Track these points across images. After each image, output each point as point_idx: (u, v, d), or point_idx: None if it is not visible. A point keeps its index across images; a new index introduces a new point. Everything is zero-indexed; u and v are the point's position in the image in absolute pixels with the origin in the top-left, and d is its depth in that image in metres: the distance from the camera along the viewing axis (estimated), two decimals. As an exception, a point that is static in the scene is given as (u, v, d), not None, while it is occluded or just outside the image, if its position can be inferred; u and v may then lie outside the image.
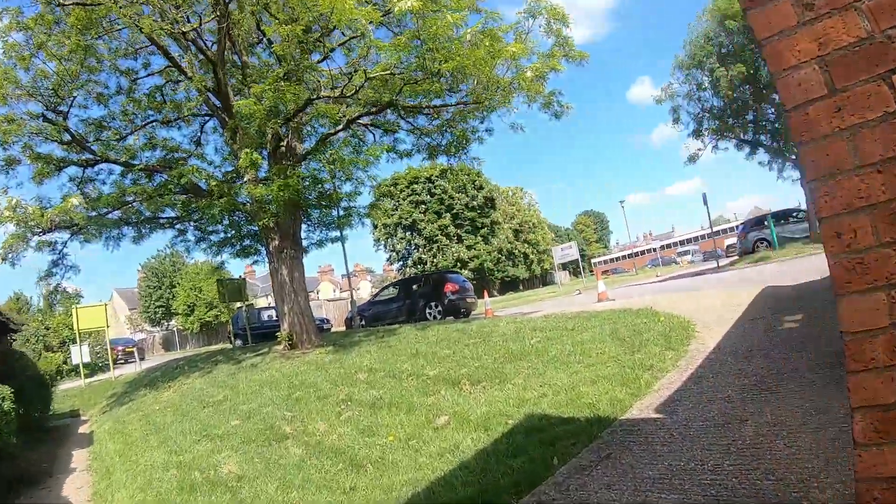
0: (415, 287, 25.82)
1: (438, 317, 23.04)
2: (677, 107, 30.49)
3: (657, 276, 45.21)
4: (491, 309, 22.74)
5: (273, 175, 15.10)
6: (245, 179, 16.10)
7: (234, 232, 19.44)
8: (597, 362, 8.78)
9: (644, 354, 8.71)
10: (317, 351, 15.43)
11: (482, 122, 17.53)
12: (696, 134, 30.52)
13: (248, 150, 14.17)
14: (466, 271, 70.90)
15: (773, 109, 29.10)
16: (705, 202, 29.79)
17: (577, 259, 49.26)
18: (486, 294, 25.23)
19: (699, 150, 30.81)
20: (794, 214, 32.12)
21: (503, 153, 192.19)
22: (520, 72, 14.44)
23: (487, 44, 13.49)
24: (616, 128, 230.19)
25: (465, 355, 10.90)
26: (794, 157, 28.85)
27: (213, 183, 16.19)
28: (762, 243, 29.65)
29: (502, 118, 17.35)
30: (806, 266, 17.47)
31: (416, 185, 74.86)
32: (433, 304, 23.79)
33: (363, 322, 25.57)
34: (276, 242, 16.77)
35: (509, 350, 10.52)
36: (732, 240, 79.80)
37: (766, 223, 29.69)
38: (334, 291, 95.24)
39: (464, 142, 17.89)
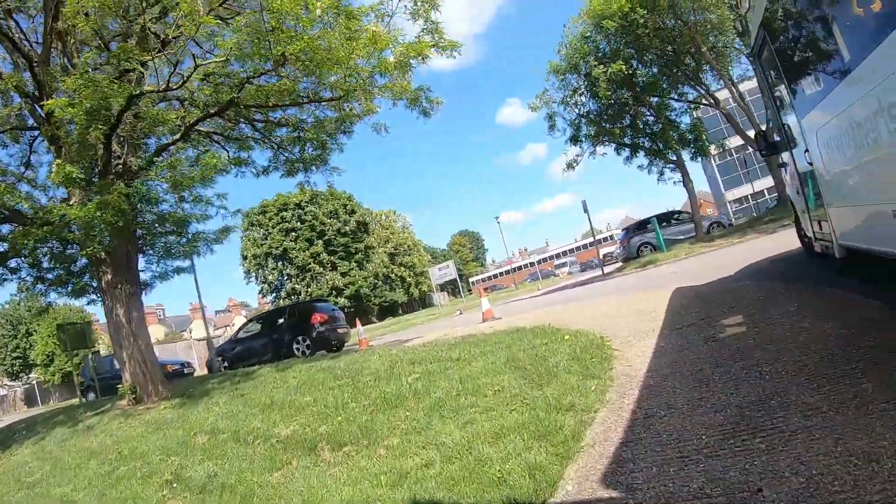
0: (280, 321, 23.12)
1: (308, 352, 20.54)
2: (553, 113, 29.23)
3: (538, 289, 44.15)
4: (365, 339, 20.46)
5: (95, 193, 12.27)
6: (72, 201, 13.13)
7: (63, 267, 16.17)
8: (496, 404, 6.51)
9: (557, 388, 6.47)
10: (162, 405, 12.61)
11: (341, 124, 15.27)
12: (574, 140, 29.32)
13: (59, 161, 11.46)
14: (343, 299, 68.78)
15: (651, 111, 28.27)
16: (585, 209, 28.53)
17: (456, 279, 47.52)
18: (358, 323, 22.80)
19: (577, 156, 29.63)
20: (677, 216, 31.61)
21: (375, 175, 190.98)
22: (382, 59, 12.27)
23: (343, 23, 11.32)
24: (487, 149, 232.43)
25: (329, 403, 8.54)
26: (674, 157, 28.22)
27: (36, 207, 13.48)
28: (646, 247, 28.77)
29: (366, 122, 15.19)
30: (704, 264, 16.55)
31: (285, 212, 72.32)
32: (300, 338, 21.22)
33: (225, 364, 22.75)
34: (109, 277, 13.77)
35: (382, 393, 8.20)
36: (609, 248, 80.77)
37: (649, 226, 28.89)
38: (211, 329, 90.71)
39: (323, 152, 15.66)
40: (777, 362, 5.29)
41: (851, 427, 3.65)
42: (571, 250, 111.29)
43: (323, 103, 14.49)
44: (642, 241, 29.36)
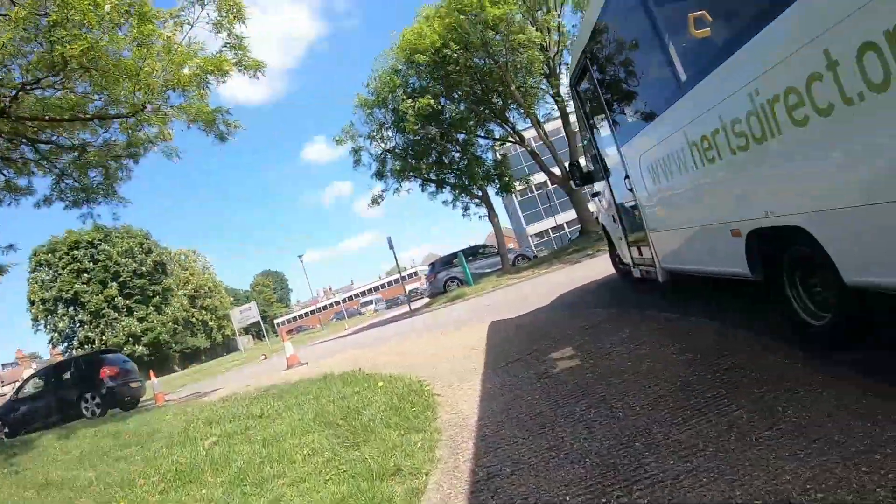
0: (65, 376, 20.57)
1: (98, 411, 18.43)
2: (359, 148, 28.60)
3: (346, 328, 43.21)
4: (161, 393, 18.84)
5: None
6: None
7: None
8: (308, 473, 5.31)
9: (377, 447, 5.36)
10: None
11: (130, 148, 13.86)
12: (379, 175, 28.88)
13: None
14: (141, 347, 64.70)
15: (458, 148, 28.56)
16: (391, 245, 27.96)
17: (259, 321, 45.59)
18: (152, 375, 20.93)
19: (382, 191, 29.14)
20: (482, 250, 31.77)
21: (173, 212, 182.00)
22: (177, 73, 11.07)
23: (135, 25, 10.09)
24: (292, 187, 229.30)
25: (114, 480, 7.02)
26: (479, 193, 28.52)
27: None
28: (453, 281, 28.62)
29: (159, 148, 13.83)
30: (515, 295, 16.36)
31: (76, 251, 66.68)
32: (89, 395, 18.94)
33: (6, 430, 19.80)
34: None
35: (175, 465, 6.80)
36: (415, 285, 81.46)
37: (455, 261, 28.89)
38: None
39: (109, 180, 14.17)
40: (627, 396, 4.65)
41: (742, 464, 3.05)
42: (377, 288, 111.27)
43: (113, 123, 12.99)
44: (449, 275, 29.18)
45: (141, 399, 20.44)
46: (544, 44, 25.51)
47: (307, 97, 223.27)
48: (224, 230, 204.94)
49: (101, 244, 67.59)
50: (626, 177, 6.99)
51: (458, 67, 24.69)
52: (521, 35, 23.83)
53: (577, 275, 15.78)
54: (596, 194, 10.07)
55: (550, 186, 47.20)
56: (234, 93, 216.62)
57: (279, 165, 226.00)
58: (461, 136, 28.29)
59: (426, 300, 30.74)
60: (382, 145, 28.51)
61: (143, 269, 69.28)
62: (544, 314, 10.21)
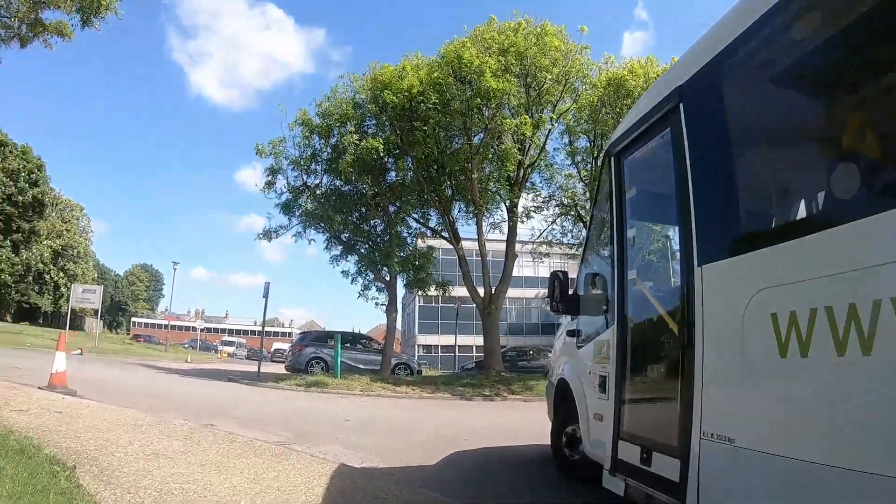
0: None
1: None
2: (278, 168, 24.07)
3: (188, 361, 38.54)
4: None
5: None
6: None
7: None
8: None
9: None
10: None
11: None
12: (287, 209, 24.31)
13: None
14: (-25, 277, 57.01)
15: (384, 218, 24.68)
16: (266, 292, 23.83)
17: (98, 308, 40.30)
18: None
19: (281, 227, 24.93)
20: (364, 342, 27.93)
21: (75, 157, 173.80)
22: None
23: None
24: (210, 197, 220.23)
25: None
26: (387, 278, 24.53)
27: None
28: (318, 363, 24.43)
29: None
30: (387, 422, 12.23)
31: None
32: None
33: None
34: None
35: None
36: (282, 345, 76.20)
37: (330, 341, 24.35)
38: None
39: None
40: None
41: None
42: (248, 332, 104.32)
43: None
44: (316, 354, 24.98)
45: None
46: (522, 146, 22.81)
47: (265, 123, 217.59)
48: (123, 200, 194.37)
49: (-10, 153, 59.79)
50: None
51: (425, 127, 21.08)
52: (509, 120, 20.81)
53: (474, 422, 12.37)
54: (576, 333, 6.34)
55: (457, 305, 42.87)
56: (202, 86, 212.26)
57: (212, 171, 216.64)
58: (392, 208, 24.36)
59: (285, 372, 26.51)
60: (304, 178, 24.13)
61: (20, 198, 61.32)
62: (425, 479, 6.46)
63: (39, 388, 10.92)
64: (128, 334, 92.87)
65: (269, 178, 24.15)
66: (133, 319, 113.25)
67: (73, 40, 14.79)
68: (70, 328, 71.06)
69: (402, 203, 24.02)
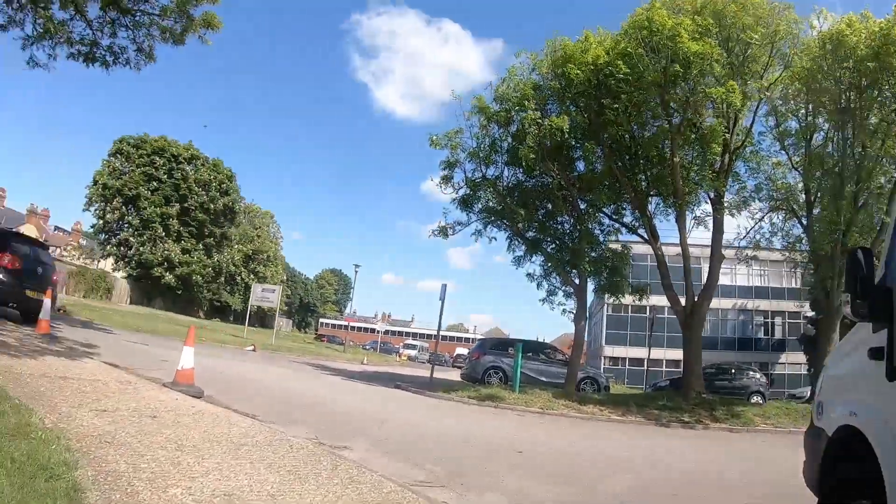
0: None
1: None
2: (455, 161, 21.25)
3: (364, 362, 37.25)
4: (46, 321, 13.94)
5: None
6: None
7: None
8: None
9: None
10: None
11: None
12: (465, 204, 21.55)
13: None
14: (171, 276, 59.78)
15: (573, 214, 21.58)
16: (443, 295, 21.79)
17: (275, 307, 39.78)
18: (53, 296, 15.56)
19: (459, 223, 22.17)
20: (548, 352, 24.82)
21: (271, 175, 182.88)
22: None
23: None
24: (397, 208, 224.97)
25: None
26: (577, 281, 21.38)
27: None
28: (496, 373, 21.99)
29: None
30: (575, 453, 10.08)
31: (157, 157, 62.54)
32: None
33: None
34: None
35: None
36: (465, 350, 74.55)
37: (510, 350, 21.68)
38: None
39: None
40: None
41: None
42: (431, 336, 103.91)
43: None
44: (494, 364, 22.50)
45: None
46: (727, 124, 19.12)
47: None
48: (315, 210, 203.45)
49: (183, 163, 63.93)
50: None
51: (615, 104, 17.63)
52: (714, 89, 16.83)
53: (679, 463, 10.06)
54: (890, 354, 3.25)
55: (652, 315, 37.89)
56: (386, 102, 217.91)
57: (398, 185, 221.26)
58: (582, 201, 21.36)
59: (459, 379, 24.18)
60: (483, 170, 21.34)
61: (212, 206, 64.58)
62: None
63: (164, 384, 9.71)
64: (316, 332, 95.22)
65: (446, 171, 21.68)
66: (321, 320, 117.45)
67: (220, 31, 14.66)
68: (260, 326, 73.96)
69: (593, 196, 20.90)
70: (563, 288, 22.23)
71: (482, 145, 20.99)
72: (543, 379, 21.59)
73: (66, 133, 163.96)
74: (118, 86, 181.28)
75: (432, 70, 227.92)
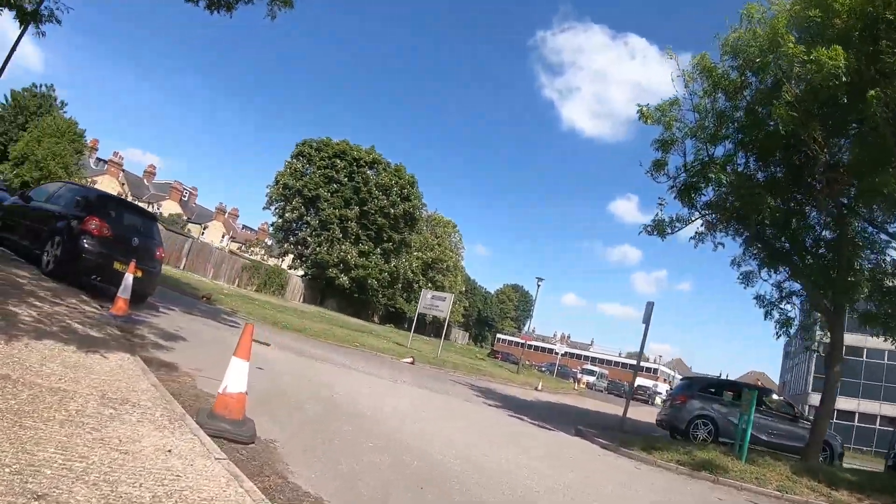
0: (53, 206, 13.51)
1: (51, 268, 12.15)
2: (671, 139, 15.70)
3: (538, 388, 32.71)
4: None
5: None
6: None
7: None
8: None
9: None
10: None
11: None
12: (684, 195, 15.87)
13: None
14: (345, 277, 58.55)
15: (831, 217, 15.53)
16: (647, 317, 17.06)
17: (446, 318, 35.49)
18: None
19: (679, 219, 16.99)
20: (766, 399, 18.23)
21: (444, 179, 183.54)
22: None
23: None
24: (584, 230, 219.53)
25: None
26: (830, 307, 15.53)
27: None
28: (705, 426, 16.62)
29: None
30: None
31: (338, 160, 62.46)
32: (58, 239, 12.32)
33: None
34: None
35: None
36: (646, 382, 68.49)
37: (723, 396, 16.62)
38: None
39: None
40: None
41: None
42: (611, 362, 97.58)
43: None
44: (704, 412, 16.94)
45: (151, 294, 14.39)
46: None
47: (636, 152, 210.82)
48: (497, 226, 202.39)
49: (364, 167, 63.41)
50: None
51: None
52: None
53: None
54: None
55: None
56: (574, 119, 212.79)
57: (585, 206, 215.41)
58: (843, 200, 14.95)
59: (654, 422, 19.41)
60: (710, 150, 15.69)
61: (392, 211, 63.20)
62: None
63: (195, 411, 5.93)
64: (491, 348, 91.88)
65: (659, 154, 16.22)
66: (497, 335, 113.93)
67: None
68: (435, 335, 71.42)
69: (865, 185, 13.57)
70: (817, 321, 16.43)
71: (706, 119, 15.50)
72: (764, 437, 16.25)
73: (256, 140, 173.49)
74: (300, 93, 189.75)
75: (619, 86, 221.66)
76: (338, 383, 11.55)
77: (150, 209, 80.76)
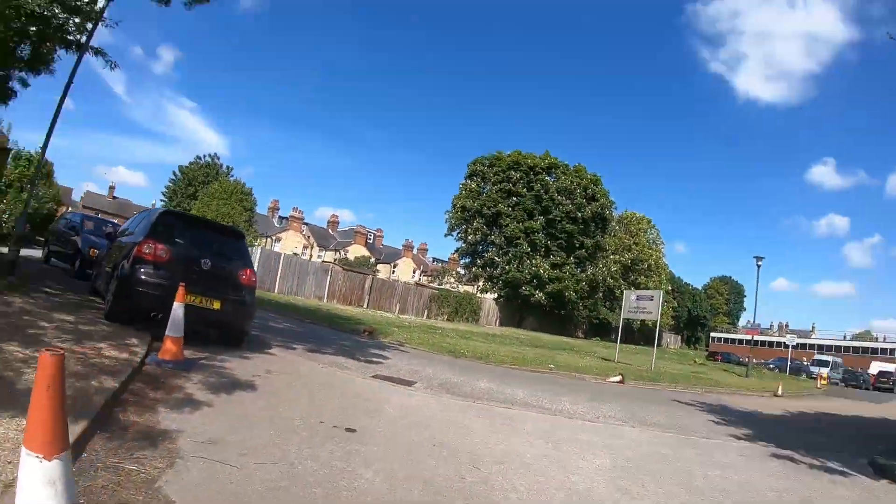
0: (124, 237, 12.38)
1: (107, 308, 10.43)
2: None
3: (777, 393, 27.09)
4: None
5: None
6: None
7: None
8: None
9: None
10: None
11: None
12: None
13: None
14: (542, 294, 55.10)
15: None
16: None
17: (657, 318, 30.79)
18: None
19: None
20: None
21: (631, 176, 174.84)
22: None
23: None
24: (779, 203, 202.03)
25: None
26: None
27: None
28: None
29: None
30: None
31: (513, 172, 59.47)
32: (117, 273, 10.37)
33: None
34: None
35: None
36: (887, 366, 60.06)
37: None
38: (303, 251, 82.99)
39: None
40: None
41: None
42: (839, 348, 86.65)
43: None
44: None
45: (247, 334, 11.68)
46: None
47: (824, 109, 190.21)
48: (690, 219, 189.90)
49: (542, 173, 59.87)
50: None
51: None
52: None
53: None
54: None
55: None
56: (748, 89, 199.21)
57: (778, 180, 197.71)
58: None
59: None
60: None
61: (579, 214, 58.71)
62: None
63: None
64: (706, 350, 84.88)
65: None
66: (711, 335, 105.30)
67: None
68: (644, 343, 66.16)
69: None
70: None
71: None
72: None
73: (429, 171, 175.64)
74: (464, 113, 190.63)
75: (786, 42, 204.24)
76: (488, 450, 7.24)
77: (336, 254, 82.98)
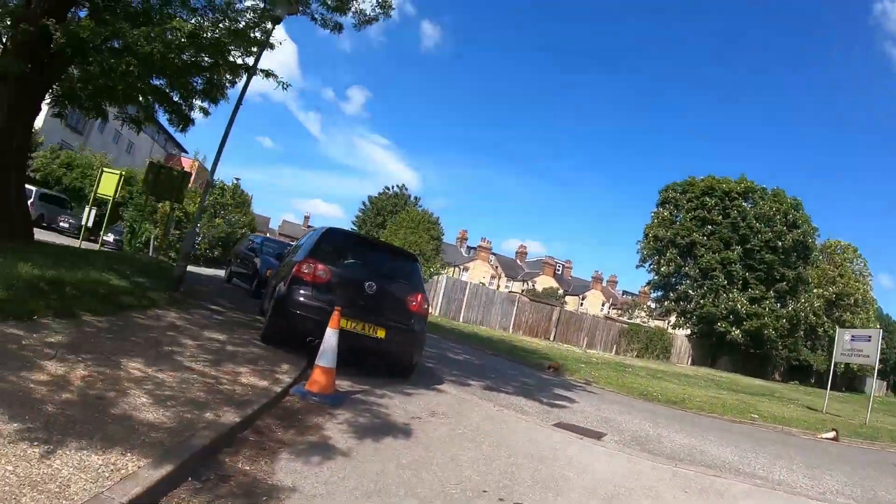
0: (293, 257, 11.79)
1: (263, 329, 10.62)
2: None
3: None
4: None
5: None
6: None
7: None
8: None
9: None
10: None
11: None
12: None
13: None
14: (738, 331, 51.79)
15: None
16: None
17: (874, 363, 27.03)
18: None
19: None
20: None
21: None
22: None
23: None
24: None
25: None
26: None
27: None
28: None
29: None
30: None
31: (708, 199, 56.41)
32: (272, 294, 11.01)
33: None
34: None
35: None
36: None
37: None
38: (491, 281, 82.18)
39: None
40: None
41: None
42: None
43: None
44: None
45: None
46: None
47: None
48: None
49: (737, 199, 56.20)
50: None
51: None
52: None
53: None
54: None
55: None
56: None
57: None
58: None
59: None
60: None
61: (780, 243, 54.50)
62: None
63: None
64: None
65: None
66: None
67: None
68: (847, 389, 60.67)
69: None
70: None
71: None
72: None
73: (618, 200, 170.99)
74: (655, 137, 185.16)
75: None
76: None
77: (524, 285, 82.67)
